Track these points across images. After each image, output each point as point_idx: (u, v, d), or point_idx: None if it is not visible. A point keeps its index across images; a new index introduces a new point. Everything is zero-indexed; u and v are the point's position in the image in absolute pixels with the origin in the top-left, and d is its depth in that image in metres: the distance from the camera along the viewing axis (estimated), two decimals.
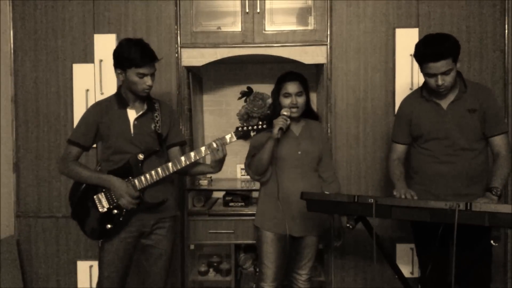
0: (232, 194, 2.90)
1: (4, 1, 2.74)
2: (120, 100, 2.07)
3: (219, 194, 3.11)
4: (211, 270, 3.00)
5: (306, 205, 1.98)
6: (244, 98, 3.26)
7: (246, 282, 2.96)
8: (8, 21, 2.76)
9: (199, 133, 3.23)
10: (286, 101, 2.17)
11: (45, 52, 2.76)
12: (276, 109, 2.22)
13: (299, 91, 2.17)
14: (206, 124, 3.39)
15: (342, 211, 1.94)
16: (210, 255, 3.10)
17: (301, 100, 2.18)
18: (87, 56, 2.73)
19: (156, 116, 2.10)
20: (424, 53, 1.96)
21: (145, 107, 2.09)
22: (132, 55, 1.96)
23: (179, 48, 2.72)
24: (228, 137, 2.05)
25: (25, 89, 2.78)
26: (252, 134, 2.03)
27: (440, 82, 1.95)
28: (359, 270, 2.73)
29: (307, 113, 2.29)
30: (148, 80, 2.01)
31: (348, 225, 1.91)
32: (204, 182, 3.04)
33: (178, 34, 2.72)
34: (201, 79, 3.34)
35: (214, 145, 2.02)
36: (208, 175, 3.27)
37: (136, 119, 2.06)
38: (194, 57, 2.73)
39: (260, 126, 2.03)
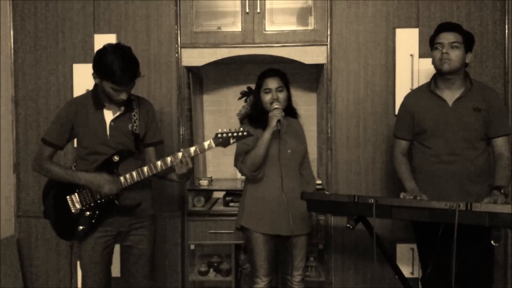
0: (232, 194, 2.89)
1: (4, 1, 2.74)
2: (96, 100, 1.99)
3: (219, 194, 3.10)
4: (211, 270, 3.00)
5: (306, 205, 1.98)
6: (244, 98, 3.26)
7: (246, 282, 2.96)
8: (8, 21, 2.76)
9: (199, 133, 3.23)
10: (267, 97, 2.17)
11: (45, 52, 2.76)
12: (257, 106, 2.22)
13: (279, 86, 2.17)
14: (206, 124, 3.39)
15: (342, 211, 1.94)
16: (210, 255, 3.10)
17: (281, 95, 2.17)
18: (87, 56, 2.73)
19: (134, 116, 2.02)
20: (439, 26, 2.11)
21: (123, 107, 2.01)
22: (111, 69, 1.82)
23: (179, 48, 2.72)
24: (206, 143, 1.97)
25: (25, 89, 2.78)
26: (231, 141, 1.97)
27: (444, 50, 2.01)
28: (359, 270, 2.73)
29: (288, 111, 2.27)
30: (123, 95, 1.90)
31: (348, 225, 1.91)
32: (204, 182, 3.04)
33: (178, 34, 2.72)
34: (201, 79, 3.34)
35: (179, 158, 1.93)
36: (208, 175, 3.27)
37: (113, 120, 1.99)
38: (194, 57, 2.73)
39: (240, 134, 1.96)
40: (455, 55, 2.01)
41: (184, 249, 2.76)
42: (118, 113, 2.00)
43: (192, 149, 1.96)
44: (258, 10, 2.68)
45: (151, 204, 2.14)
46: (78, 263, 2.73)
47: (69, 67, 2.75)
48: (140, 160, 2.07)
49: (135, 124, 2.02)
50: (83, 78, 2.72)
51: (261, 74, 2.23)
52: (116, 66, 1.83)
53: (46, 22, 2.76)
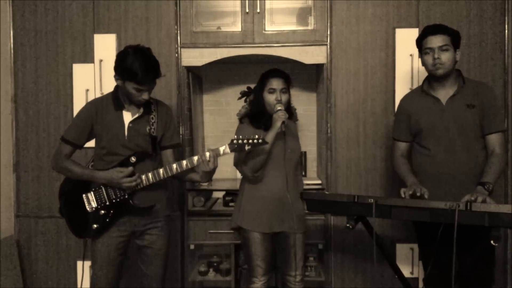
0: (232, 194, 2.89)
1: (4, 0, 2.74)
2: (116, 101, 2.03)
3: (219, 194, 3.11)
4: (211, 270, 3.00)
5: (306, 205, 1.98)
6: (244, 98, 3.26)
7: (246, 282, 2.96)
8: (8, 21, 2.76)
9: (199, 133, 3.23)
10: (271, 97, 2.16)
11: (45, 52, 2.76)
12: (259, 105, 2.20)
13: (283, 88, 2.17)
14: (206, 124, 3.39)
15: (342, 211, 1.94)
16: (210, 255, 3.10)
17: (285, 97, 2.18)
18: (87, 56, 2.73)
19: (152, 118, 2.06)
20: (425, 29, 2.09)
21: (141, 110, 2.04)
22: (134, 69, 1.88)
23: (179, 48, 2.72)
24: (222, 148, 2.00)
25: (25, 89, 2.78)
26: (246, 148, 1.98)
27: (436, 55, 2.00)
28: (359, 270, 2.73)
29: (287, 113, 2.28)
30: (145, 95, 1.96)
31: (348, 225, 1.91)
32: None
33: (178, 34, 2.72)
34: (201, 79, 3.34)
35: (207, 156, 1.98)
36: None
37: (132, 121, 2.02)
38: (194, 57, 2.73)
39: (256, 141, 1.97)
40: (447, 58, 2.01)
41: (184, 249, 2.76)
42: (137, 115, 2.04)
43: (207, 154, 1.98)
44: (258, 10, 2.68)
45: (166, 204, 2.16)
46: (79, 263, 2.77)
47: (69, 67, 2.74)
48: (156, 162, 2.10)
49: (153, 127, 2.06)
50: (83, 78, 2.72)
51: (266, 73, 2.22)
52: (138, 66, 1.88)
53: (46, 22, 2.75)
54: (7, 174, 2.78)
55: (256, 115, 2.21)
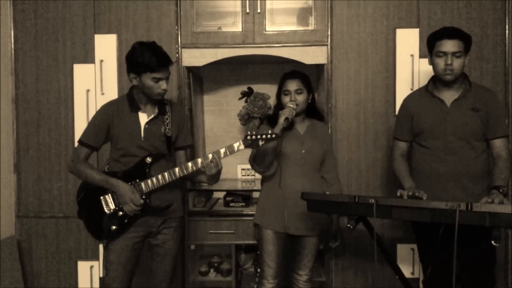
0: (233, 195, 2.90)
1: (5, 1, 2.74)
2: (132, 102, 2.06)
3: (220, 195, 3.11)
4: (211, 270, 3.00)
5: (306, 205, 1.98)
6: (244, 99, 3.26)
7: (247, 282, 2.96)
8: (9, 21, 2.76)
9: (200, 133, 3.23)
10: (286, 99, 2.19)
11: (45, 52, 2.76)
12: (277, 107, 2.25)
13: (298, 89, 2.18)
14: (206, 125, 3.39)
15: (342, 211, 1.94)
16: (210, 256, 3.10)
17: (300, 97, 2.19)
18: (88, 56, 2.73)
19: (167, 119, 2.09)
20: (442, 31, 2.05)
21: (156, 110, 2.07)
22: (147, 60, 1.93)
23: (179, 48, 2.72)
24: (236, 145, 2.00)
25: (25, 89, 2.78)
26: (260, 143, 1.98)
27: (449, 61, 1.99)
28: (360, 270, 2.73)
29: (313, 113, 2.31)
30: (163, 84, 1.99)
31: (348, 225, 1.91)
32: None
33: (179, 34, 2.72)
34: (202, 79, 3.34)
35: (209, 159, 1.98)
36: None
37: (147, 123, 2.05)
38: (195, 57, 2.73)
39: (269, 136, 1.98)
40: (458, 64, 2.01)
41: (185, 249, 2.76)
42: (152, 116, 2.06)
43: (222, 150, 2.00)
44: (259, 10, 2.68)
45: (181, 205, 2.20)
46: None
47: (69, 67, 2.74)
48: (171, 162, 2.13)
49: (167, 127, 2.09)
50: (83, 78, 2.72)
51: (283, 76, 2.26)
52: (149, 55, 1.94)
53: (46, 22, 2.75)
54: (7, 174, 2.78)
55: (274, 117, 2.22)
